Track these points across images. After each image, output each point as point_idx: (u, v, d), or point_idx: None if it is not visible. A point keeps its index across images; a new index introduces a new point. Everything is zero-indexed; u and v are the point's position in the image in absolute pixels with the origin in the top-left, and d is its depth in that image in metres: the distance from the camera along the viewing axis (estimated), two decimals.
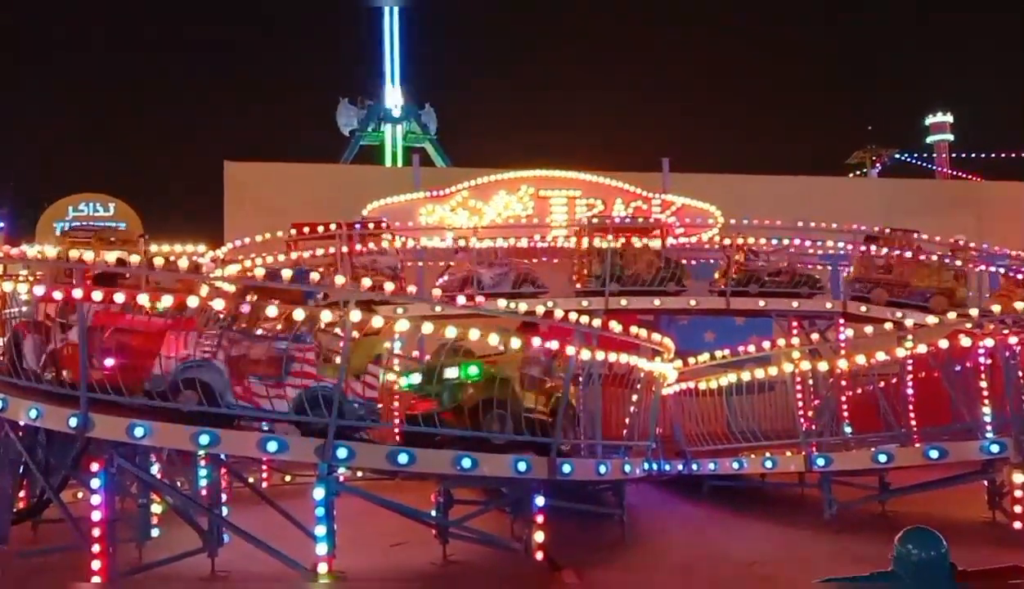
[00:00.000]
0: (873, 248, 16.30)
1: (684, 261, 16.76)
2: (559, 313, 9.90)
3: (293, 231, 16.24)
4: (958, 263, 16.53)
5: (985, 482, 10.88)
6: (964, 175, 36.13)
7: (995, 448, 9.99)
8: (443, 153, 41.23)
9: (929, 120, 43.84)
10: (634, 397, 11.43)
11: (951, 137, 43.34)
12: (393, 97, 41.64)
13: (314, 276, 9.99)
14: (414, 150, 31.97)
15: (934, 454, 10.27)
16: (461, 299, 10.90)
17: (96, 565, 7.79)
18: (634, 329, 10.42)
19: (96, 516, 7.90)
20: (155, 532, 9.80)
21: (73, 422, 7.94)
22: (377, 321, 9.29)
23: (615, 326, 10.00)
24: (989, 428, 10.43)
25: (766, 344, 12.46)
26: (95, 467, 8.04)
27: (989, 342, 10.58)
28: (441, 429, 8.98)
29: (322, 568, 7.69)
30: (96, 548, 7.83)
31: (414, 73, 42.66)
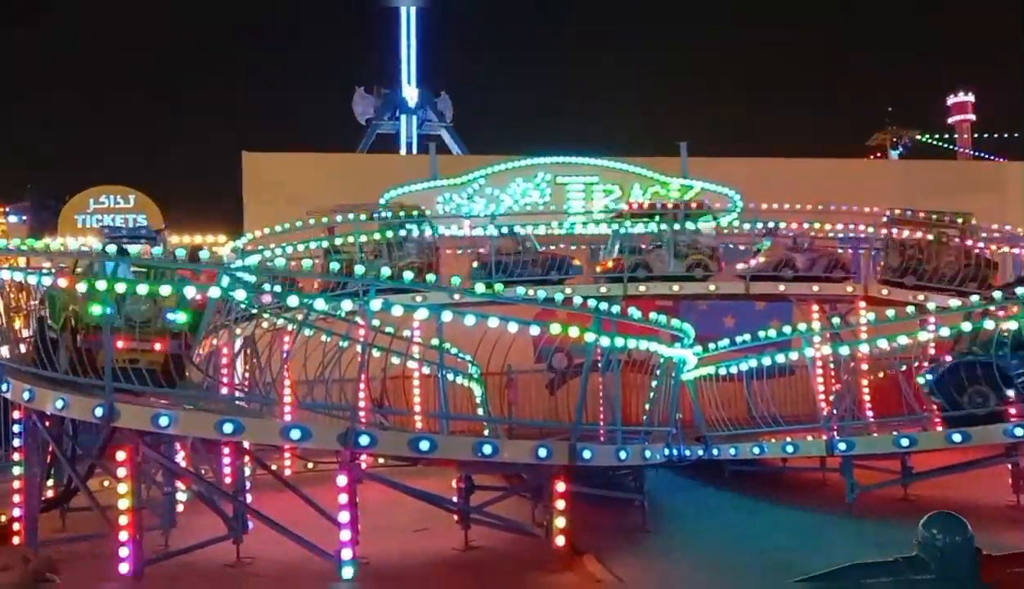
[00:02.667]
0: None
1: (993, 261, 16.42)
2: (578, 299, 9.90)
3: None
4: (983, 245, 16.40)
5: (1009, 465, 10.81)
6: (986, 155, 35.69)
7: (1019, 431, 9.90)
8: (459, 140, 41.16)
9: (951, 100, 43.31)
10: (653, 383, 11.44)
11: (973, 117, 42.80)
12: (409, 91, 41.58)
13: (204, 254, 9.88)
14: (430, 138, 31.95)
15: (957, 438, 10.19)
16: (480, 287, 10.91)
17: (123, 552, 7.90)
18: (653, 315, 10.41)
19: (122, 504, 8.01)
20: (181, 519, 9.94)
21: (99, 412, 8.04)
22: (397, 309, 9.36)
23: (634, 312, 9.99)
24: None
25: (787, 329, 12.40)
26: (121, 456, 8.14)
27: (1012, 324, 10.48)
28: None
29: (345, 554, 7.76)
30: (123, 536, 7.94)
31: (430, 61, 42.55)
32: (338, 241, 15.78)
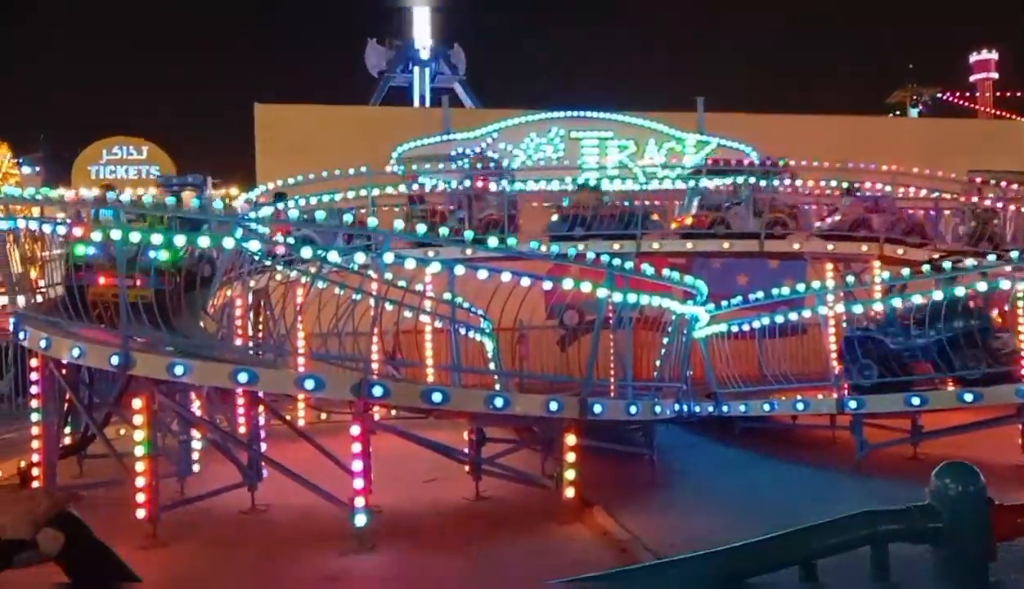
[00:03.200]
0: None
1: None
2: (591, 255, 9.87)
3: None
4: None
5: (1020, 425, 10.80)
6: (1007, 114, 35.10)
7: None
8: (472, 94, 40.77)
9: (973, 58, 42.48)
10: (664, 340, 11.45)
11: (995, 75, 42.03)
12: (422, 40, 41.11)
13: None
14: (443, 91, 31.67)
15: (968, 397, 10.19)
16: (493, 241, 10.89)
17: (140, 498, 8.04)
18: (666, 272, 10.38)
19: (139, 451, 8.13)
20: (196, 467, 10.10)
21: (115, 360, 8.12)
22: (410, 263, 9.37)
23: (647, 268, 9.97)
24: None
25: (800, 287, 12.36)
26: (137, 404, 8.24)
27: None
28: None
29: (359, 502, 7.87)
30: (139, 482, 8.07)
31: (443, 13, 41.99)
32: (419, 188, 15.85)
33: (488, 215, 15.29)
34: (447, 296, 12.88)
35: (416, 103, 39.51)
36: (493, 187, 15.95)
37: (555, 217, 15.96)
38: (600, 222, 15.60)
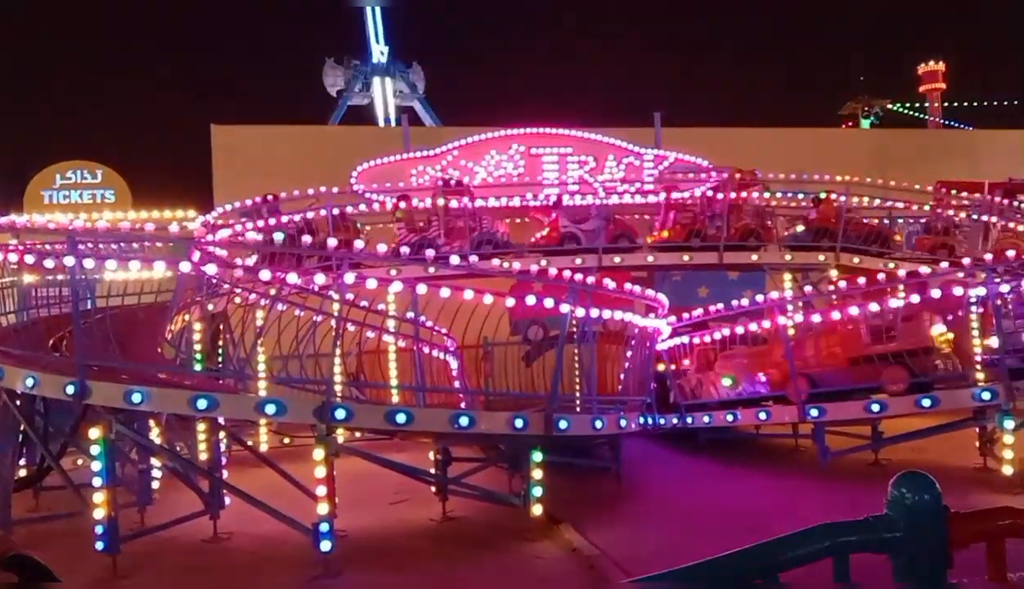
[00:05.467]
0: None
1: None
2: (553, 270, 9.92)
3: None
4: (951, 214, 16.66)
5: (977, 429, 11.03)
6: (956, 124, 36.03)
7: (986, 395, 10.10)
8: (433, 112, 40.83)
9: (921, 69, 43.55)
10: (628, 353, 11.51)
11: (943, 86, 43.11)
12: (378, 51, 41.18)
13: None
14: (402, 109, 31.64)
15: (927, 403, 10.38)
16: (455, 259, 10.88)
17: (99, 530, 7.85)
18: (628, 286, 10.46)
19: (97, 482, 7.93)
20: (156, 496, 9.89)
21: (70, 389, 7.94)
22: (371, 283, 9.32)
23: (609, 283, 10.03)
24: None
25: (759, 297, 12.51)
26: (94, 433, 8.06)
27: (981, 291, 10.65)
28: None
29: (324, 527, 7.77)
30: (98, 514, 7.88)
31: (401, 33, 42.11)
32: None
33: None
34: (410, 315, 12.86)
35: (380, 116, 39.45)
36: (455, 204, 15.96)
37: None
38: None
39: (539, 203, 17.37)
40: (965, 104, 41.07)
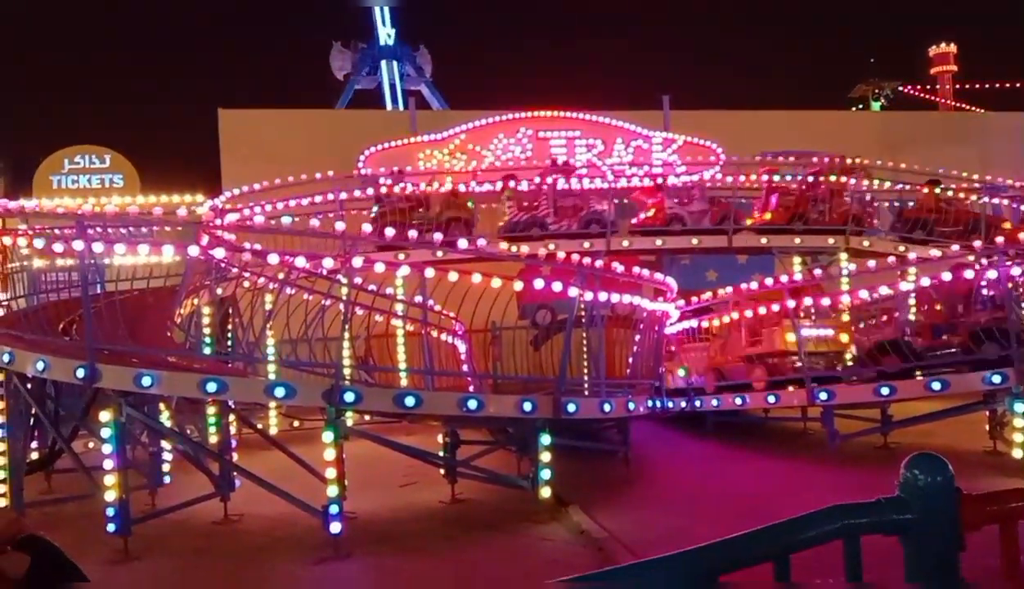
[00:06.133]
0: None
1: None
2: (561, 254, 9.90)
3: None
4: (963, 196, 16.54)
5: (987, 412, 10.99)
6: (967, 106, 35.71)
7: (997, 379, 10.05)
8: (440, 96, 40.68)
9: (932, 51, 43.15)
10: (637, 337, 11.50)
11: (955, 68, 42.69)
12: (385, 34, 40.98)
13: None
14: (410, 93, 31.54)
15: (937, 386, 10.34)
16: (463, 243, 10.87)
17: (110, 512, 7.91)
18: (636, 269, 10.43)
19: (108, 465, 7.98)
20: (167, 479, 9.95)
21: (80, 373, 7.98)
22: (379, 267, 9.33)
23: (618, 267, 10.01)
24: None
25: (768, 281, 12.49)
26: (105, 417, 8.10)
27: (992, 274, 10.58)
28: None
29: (333, 509, 7.80)
30: (109, 496, 7.93)
31: (409, 15, 41.93)
32: None
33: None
34: (418, 299, 12.88)
35: (388, 99, 39.30)
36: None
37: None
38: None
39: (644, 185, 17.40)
40: (977, 86, 40.67)
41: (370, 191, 16.67)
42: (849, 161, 17.06)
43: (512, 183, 16.43)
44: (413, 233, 10.84)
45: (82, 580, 1.69)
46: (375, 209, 15.33)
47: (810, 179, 16.23)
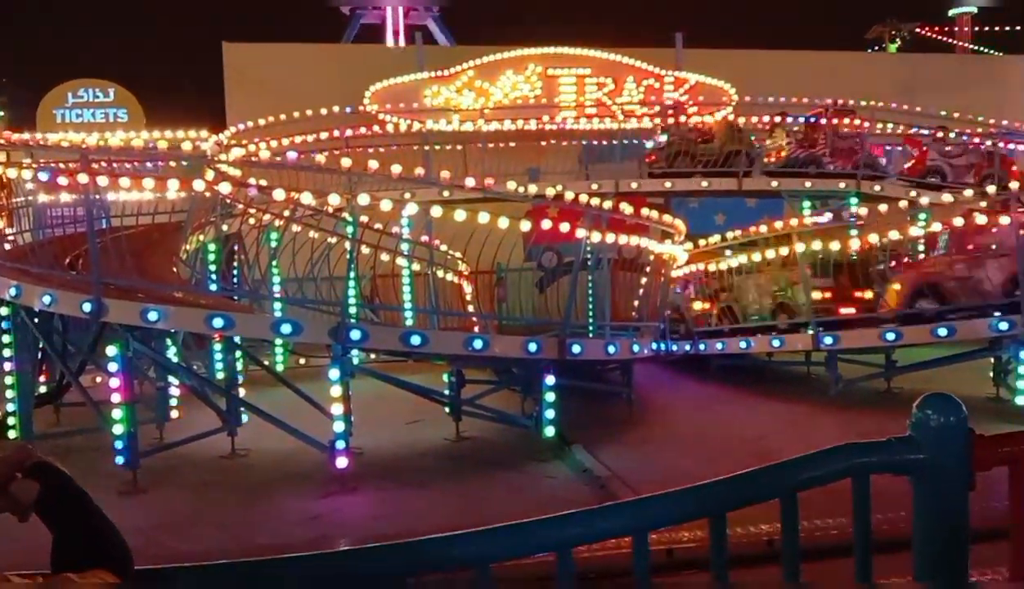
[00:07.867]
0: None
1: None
2: (569, 195, 9.79)
3: None
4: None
5: (992, 359, 10.98)
6: (985, 49, 34.94)
7: (1003, 326, 10.01)
8: (447, 31, 39.90)
9: None
10: (643, 279, 11.45)
11: (974, 9, 41.66)
12: None
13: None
14: (416, 28, 30.92)
15: (942, 332, 10.31)
16: (470, 182, 10.75)
17: (118, 445, 7.99)
18: (645, 211, 10.33)
19: (115, 399, 8.04)
20: (174, 413, 10.05)
21: (87, 307, 7.98)
22: (385, 204, 9.24)
23: (626, 208, 9.90)
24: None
25: (778, 224, 12.38)
26: (111, 351, 8.13)
27: (1005, 220, 10.46)
28: None
29: (339, 444, 7.88)
30: (117, 429, 8.01)
31: None
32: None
33: None
34: (424, 239, 12.81)
35: (389, 38, 38.58)
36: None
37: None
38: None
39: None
40: (996, 28, 39.75)
41: (376, 128, 16.50)
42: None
43: (778, 118, 16.74)
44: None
45: (92, 507, 1.69)
46: (664, 137, 15.91)
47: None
